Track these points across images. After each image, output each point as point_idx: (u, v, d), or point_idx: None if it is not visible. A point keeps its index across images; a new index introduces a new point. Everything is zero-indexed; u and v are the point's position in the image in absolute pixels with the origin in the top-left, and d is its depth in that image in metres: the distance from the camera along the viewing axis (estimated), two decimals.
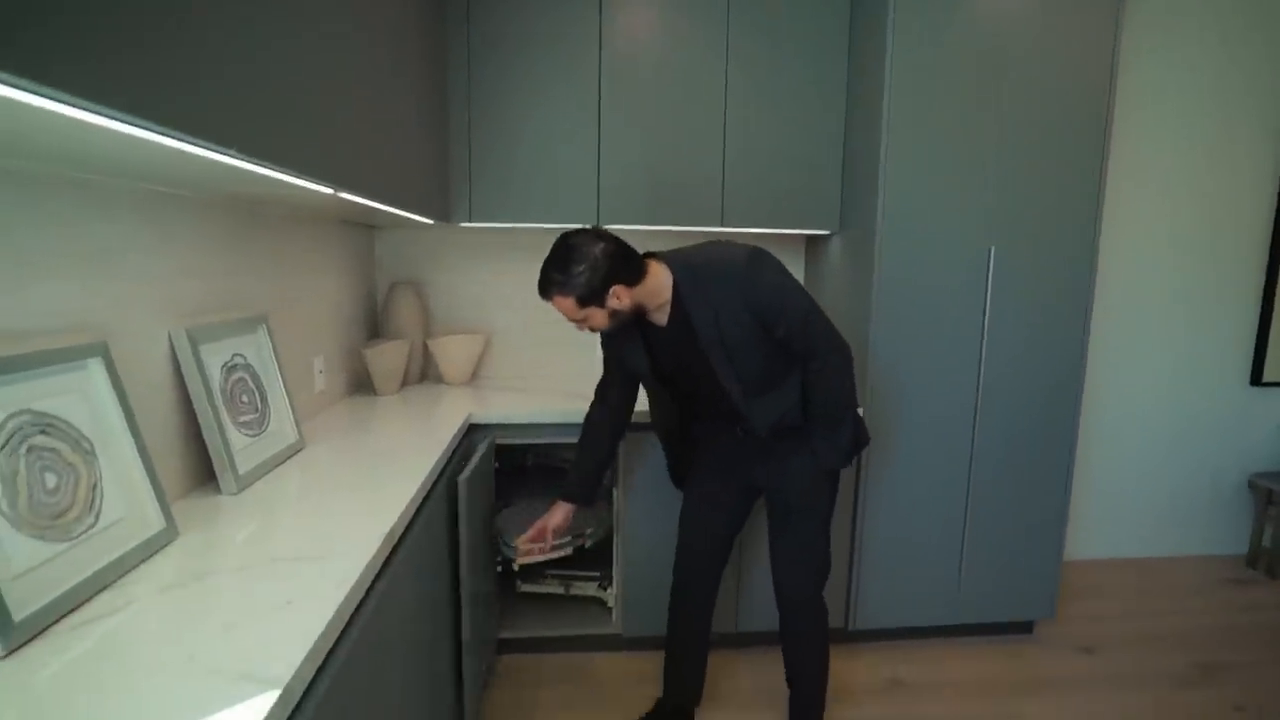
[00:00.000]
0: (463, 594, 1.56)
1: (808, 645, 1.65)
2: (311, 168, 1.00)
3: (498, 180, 2.13)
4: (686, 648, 1.76)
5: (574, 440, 1.97)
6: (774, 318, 1.40)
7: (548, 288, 1.38)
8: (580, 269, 1.34)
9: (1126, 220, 2.69)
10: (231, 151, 0.74)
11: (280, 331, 1.61)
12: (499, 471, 2.26)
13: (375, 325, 2.36)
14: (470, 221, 2.13)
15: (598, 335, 1.53)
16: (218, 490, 1.20)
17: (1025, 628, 2.30)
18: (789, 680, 1.71)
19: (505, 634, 2.09)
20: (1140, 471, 2.89)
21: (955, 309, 2.03)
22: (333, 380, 1.97)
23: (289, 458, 1.43)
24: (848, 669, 2.07)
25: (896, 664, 2.11)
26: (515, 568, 1.94)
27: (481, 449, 1.80)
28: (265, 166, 0.86)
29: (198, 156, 0.76)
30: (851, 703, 1.93)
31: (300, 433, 1.49)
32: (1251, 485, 2.88)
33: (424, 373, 2.41)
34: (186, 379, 1.17)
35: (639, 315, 1.46)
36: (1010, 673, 2.08)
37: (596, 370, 2.56)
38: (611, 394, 1.68)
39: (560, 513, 1.72)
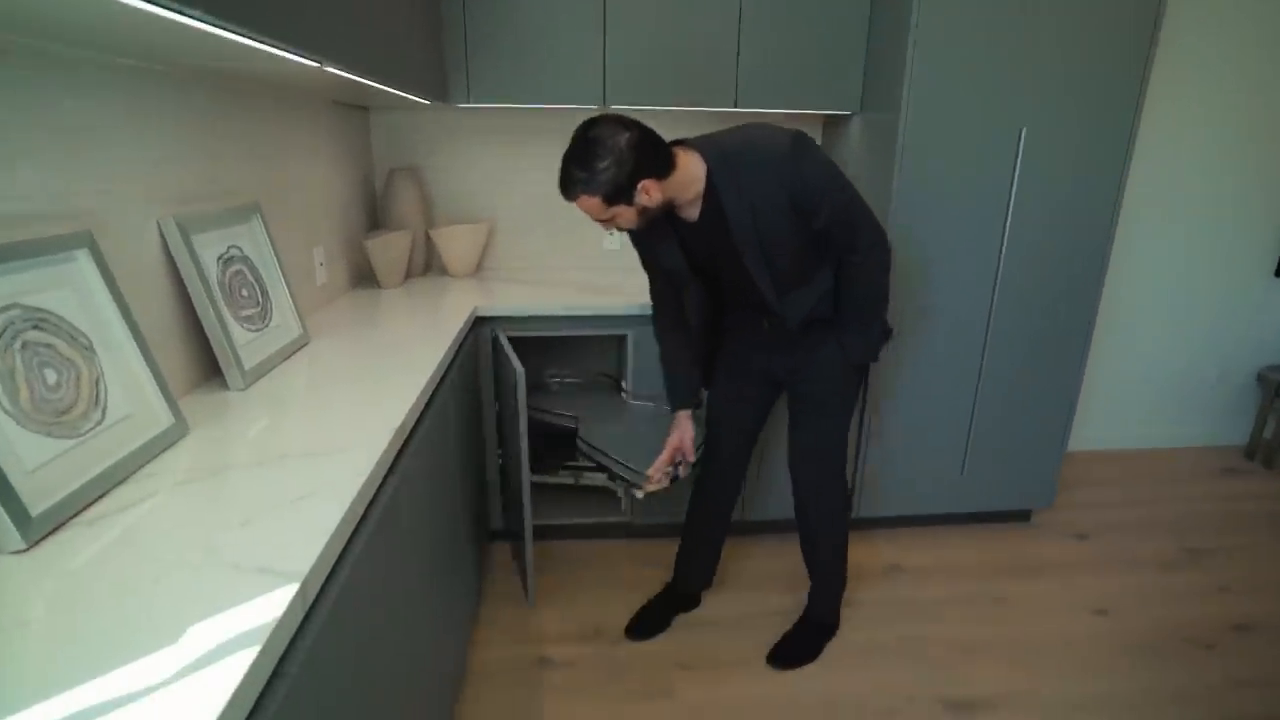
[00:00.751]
0: (522, 478, 1.60)
1: (824, 537, 1.70)
2: (290, 35, 0.91)
3: (496, 57, 1.97)
4: (703, 539, 1.82)
5: (587, 333, 1.95)
6: (816, 207, 1.32)
7: (570, 187, 1.28)
8: (605, 164, 1.23)
9: (1166, 107, 2.51)
10: (196, 13, 0.66)
11: (275, 222, 1.55)
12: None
13: (375, 215, 2.28)
14: (469, 102, 1.99)
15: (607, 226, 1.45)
16: (224, 387, 1.19)
17: (1024, 516, 2.37)
18: (808, 565, 1.77)
19: (515, 525, 2.16)
20: (1148, 361, 2.87)
21: (979, 192, 1.93)
22: (335, 273, 1.92)
23: (294, 352, 1.41)
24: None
25: (896, 550, 2.19)
26: (638, 495, 1.69)
27: (504, 340, 1.78)
28: (235, 32, 0.77)
29: (158, 17, 0.68)
30: (850, 586, 2.02)
31: (304, 327, 1.47)
32: (1260, 378, 2.86)
33: (427, 264, 2.35)
34: (182, 272, 1.13)
35: (669, 210, 1.38)
36: (1005, 558, 2.17)
37: (606, 258, 2.55)
38: (664, 294, 1.61)
39: (688, 425, 1.65)
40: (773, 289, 1.42)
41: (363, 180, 2.19)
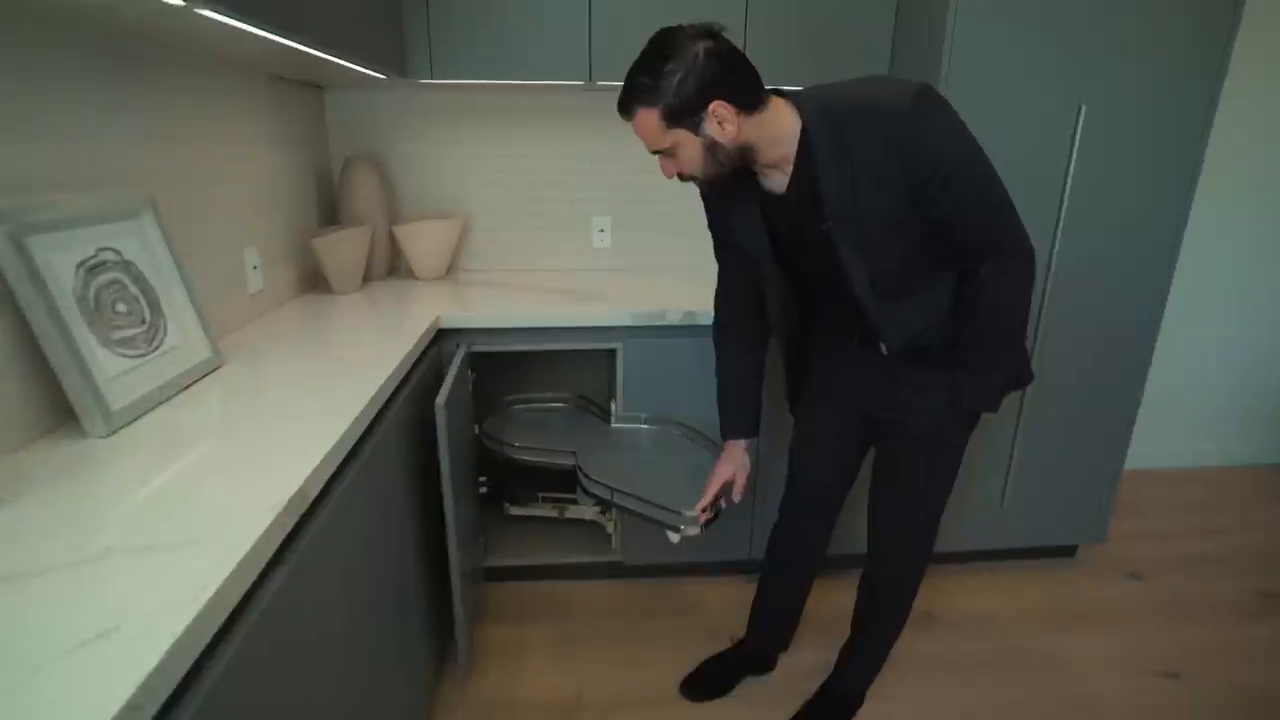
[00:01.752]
0: (448, 533, 1.32)
1: (889, 601, 1.41)
2: None
3: (463, 25, 1.69)
4: (777, 595, 1.55)
5: (570, 347, 1.68)
6: (938, 186, 0.98)
7: (627, 99, 1.02)
8: (672, 67, 0.96)
9: (1250, 84, 2.20)
10: None
11: (188, 219, 1.27)
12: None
13: (333, 209, 2.00)
14: (431, 77, 1.71)
15: (668, 169, 1.09)
16: (82, 433, 0.92)
17: (1068, 551, 2.09)
18: (855, 624, 1.49)
19: (493, 562, 1.89)
20: (1206, 370, 2.58)
21: (1030, 178, 1.65)
22: (276, 278, 1.64)
23: (197, 380, 1.14)
24: None
25: (929, 593, 1.90)
26: (675, 539, 1.37)
27: (458, 357, 1.50)
28: None
29: None
30: None
31: (215, 348, 1.19)
32: None
33: (392, 266, 2.07)
34: (10, 281, 0.86)
35: (747, 173, 1.09)
36: (1051, 603, 1.89)
37: (596, 257, 2.28)
38: (734, 284, 1.34)
39: (742, 457, 1.38)
40: (871, 294, 1.09)
41: (317, 171, 1.92)
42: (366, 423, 1.05)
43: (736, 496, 1.39)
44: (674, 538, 1.34)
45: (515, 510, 1.98)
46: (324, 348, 1.34)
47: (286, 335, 1.42)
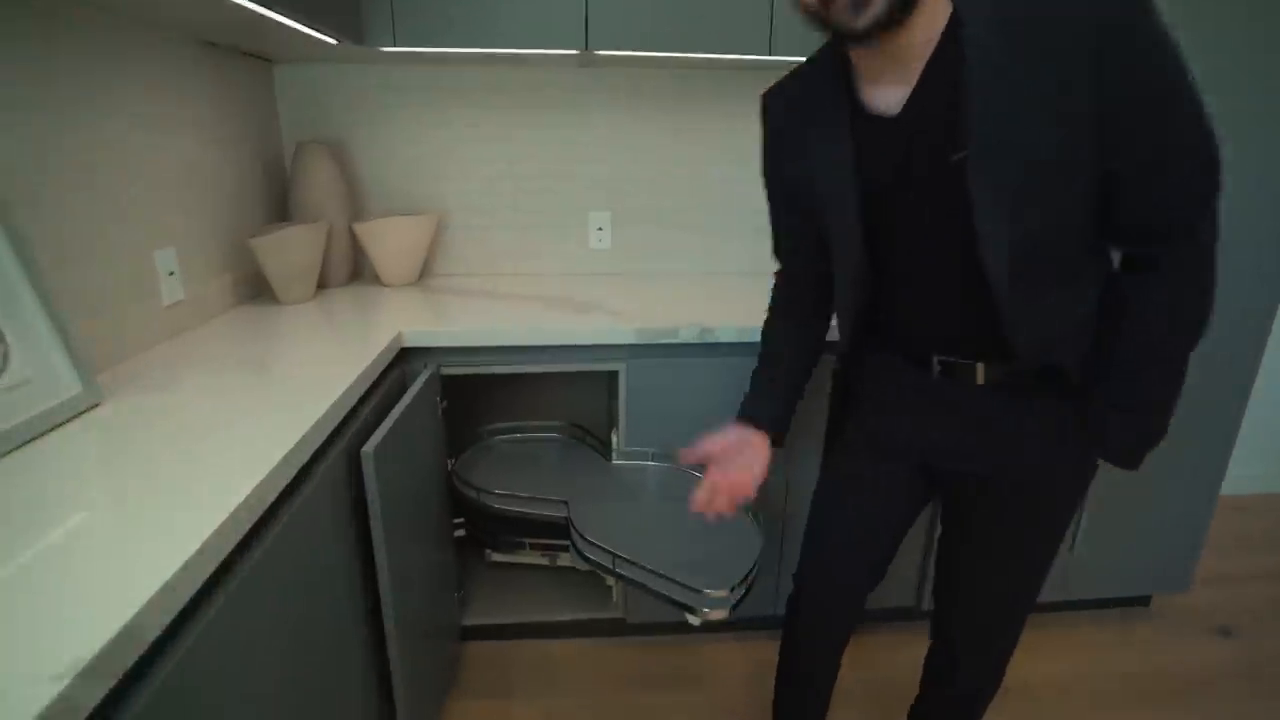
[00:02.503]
0: (384, 617, 1.04)
1: (967, 697, 1.12)
2: None
3: None
4: (809, 677, 1.23)
5: (561, 368, 1.40)
6: (1145, 114, 0.69)
7: None
8: None
9: None
10: None
11: (67, 213, 0.98)
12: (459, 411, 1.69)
13: (284, 205, 1.71)
14: (396, 44, 1.42)
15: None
16: None
17: (1141, 600, 1.80)
18: (920, 714, 1.21)
19: (471, 619, 1.61)
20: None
21: None
22: (203, 286, 1.35)
23: (61, 424, 0.85)
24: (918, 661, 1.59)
25: None
26: (696, 622, 1.10)
27: (418, 384, 1.22)
28: None
29: None
30: None
31: (88, 380, 0.90)
32: None
33: (355, 270, 1.78)
34: None
35: (847, 86, 0.82)
36: (1135, 665, 1.60)
37: (592, 261, 1.98)
38: (796, 254, 1.04)
39: (760, 446, 1.02)
40: (1005, 274, 0.76)
41: (265, 159, 1.63)
42: (281, 485, 0.76)
43: (748, 490, 0.98)
44: (694, 621, 1.05)
45: (498, 557, 1.69)
46: (251, 374, 1.05)
47: (207, 358, 1.13)
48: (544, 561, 1.66)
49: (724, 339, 1.37)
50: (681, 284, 1.76)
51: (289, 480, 0.79)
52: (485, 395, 1.84)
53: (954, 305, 0.83)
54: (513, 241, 1.84)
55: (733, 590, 1.03)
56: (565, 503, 1.30)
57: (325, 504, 0.90)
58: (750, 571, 1.08)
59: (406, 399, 1.15)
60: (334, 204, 1.63)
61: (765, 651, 1.59)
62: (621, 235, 1.86)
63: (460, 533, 1.66)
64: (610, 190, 1.82)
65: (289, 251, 1.45)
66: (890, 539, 1.07)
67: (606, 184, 1.82)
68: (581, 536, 1.18)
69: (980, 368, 0.85)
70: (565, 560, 1.66)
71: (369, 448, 0.97)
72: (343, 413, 0.98)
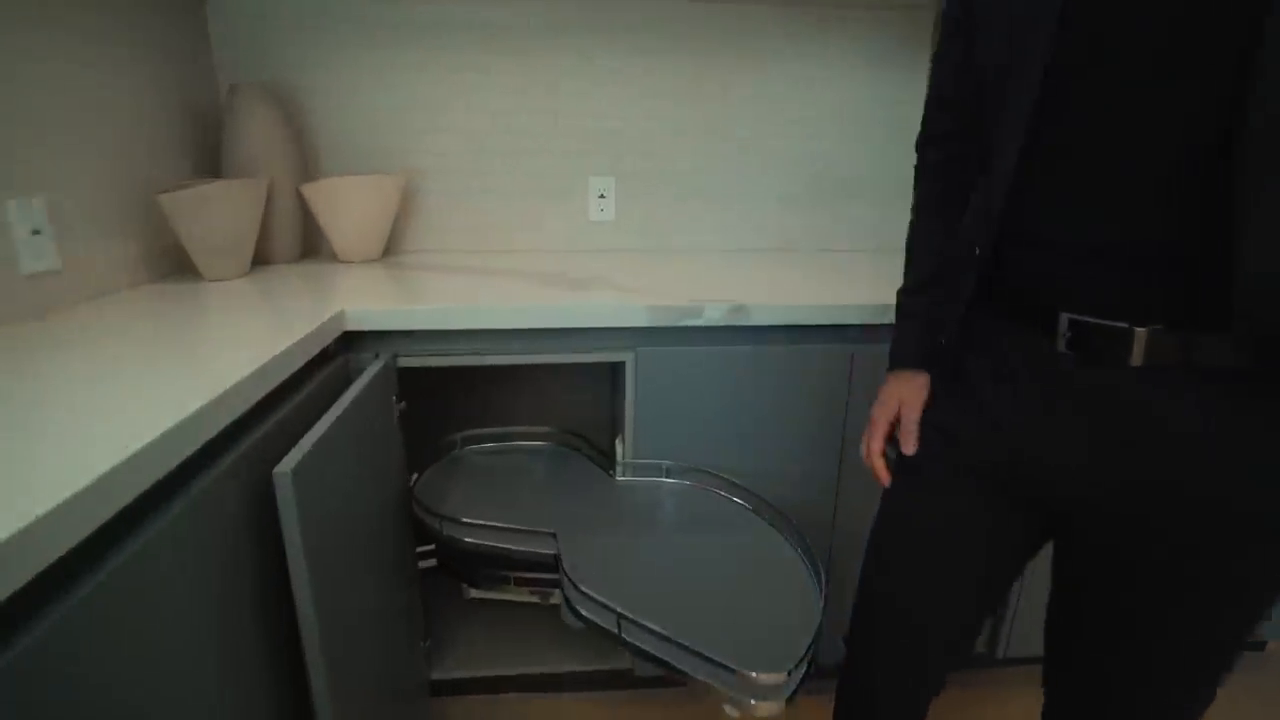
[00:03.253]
0: (312, 685, 0.73)
1: None
2: None
3: None
4: None
5: (550, 359, 1.10)
6: None
7: None
8: None
9: None
10: None
11: None
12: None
13: (216, 160, 1.41)
14: None
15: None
16: None
17: (1256, 646, 1.49)
18: None
19: (442, 673, 1.30)
20: None
21: None
22: (89, 254, 1.05)
23: None
24: (996, 713, 1.29)
25: None
26: (734, 716, 0.80)
27: (366, 378, 0.92)
28: None
29: None
30: None
31: None
32: None
33: (308, 245, 1.49)
34: None
35: None
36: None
37: (591, 234, 1.56)
38: (957, 105, 0.73)
39: (915, 387, 0.76)
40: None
41: (195, 104, 1.33)
42: (95, 519, 0.46)
43: (909, 443, 0.74)
44: (733, 713, 0.74)
45: (478, 593, 1.39)
46: (124, 362, 0.75)
47: (73, 342, 0.83)
48: (534, 599, 1.36)
49: (760, 322, 1.08)
50: (698, 260, 1.46)
51: (113, 514, 0.49)
52: (456, 394, 1.53)
53: (1141, 210, 0.53)
54: (498, 211, 1.54)
55: (790, 674, 0.72)
56: (553, 535, 1.00)
57: (204, 547, 0.60)
58: (811, 644, 0.77)
59: (347, 398, 0.85)
60: (276, 160, 1.33)
61: (809, 708, 1.29)
62: (627, 204, 1.56)
63: (429, 563, 1.36)
64: (614, 150, 1.52)
65: (211, 214, 1.15)
66: (996, 587, 0.76)
67: (610, 142, 1.52)
68: (575, 586, 0.87)
69: (1142, 336, 0.54)
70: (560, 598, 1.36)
71: (285, 466, 0.67)
72: (234, 413, 0.68)
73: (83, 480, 0.46)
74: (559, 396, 1.56)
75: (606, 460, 1.27)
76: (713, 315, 1.07)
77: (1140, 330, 0.54)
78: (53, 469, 0.48)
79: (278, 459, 0.69)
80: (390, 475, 1.04)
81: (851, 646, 0.85)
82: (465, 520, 1.08)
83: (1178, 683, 0.65)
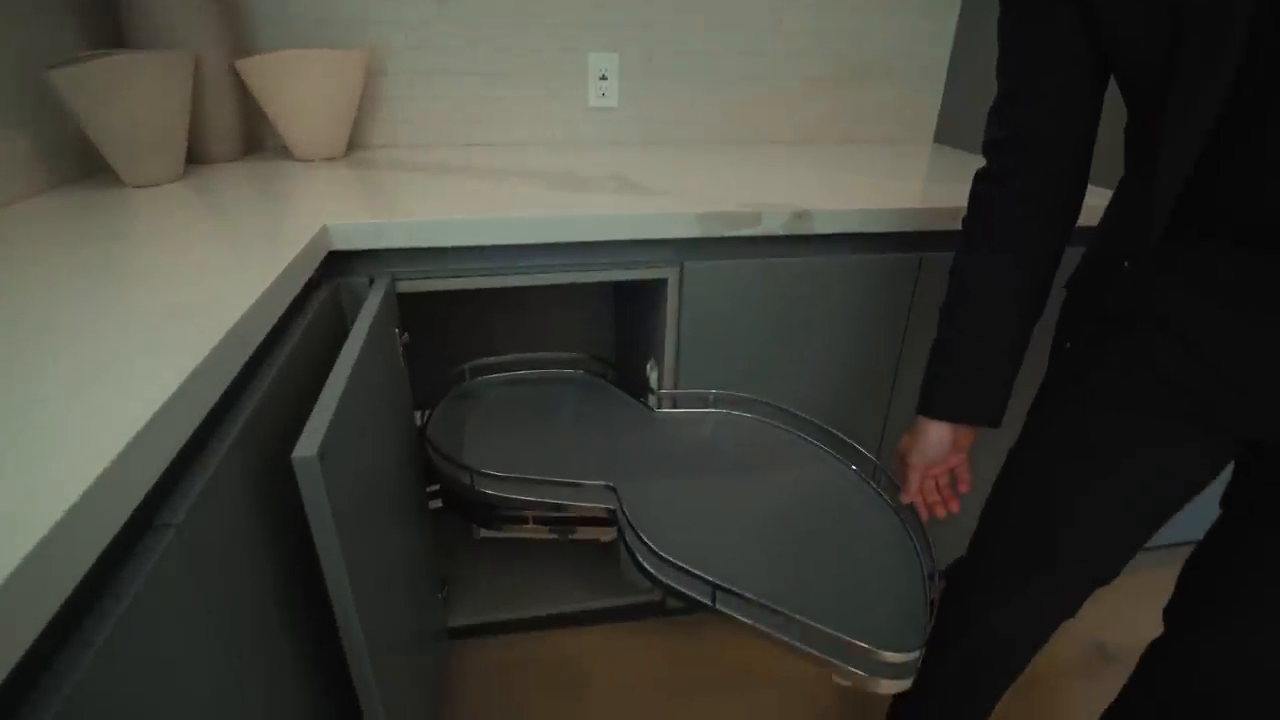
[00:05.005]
0: (347, 651, 0.60)
1: None
2: None
3: None
4: (958, 704, 0.88)
5: (575, 278, 0.94)
6: None
7: None
8: None
9: None
10: None
11: None
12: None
13: (113, 28, 1.10)
14: None
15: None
16: None
17: None
18: None
19: (459, 620, 1.20)
20: None
21: None
22: None
23: None
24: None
25: (1108, 609, 1.33)
26: (845, 682, 0.68)
27: (370, 312, 0.74)
28: None
29: None
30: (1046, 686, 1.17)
31: None
32: None
33: (250, 138, 1.22)
34: None
35: None
36: None
37: (593, 122, 1.33)
38: (1039, 153, 0.62)
39: (958, 441, 0.72)
40: None
41: None
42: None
43: (964, 487, 0.75)
44: (844, 682, 0.66)
45: (488, 533, 1.27)
46: (48, 331, 0.54)
47: None
48: (552, 536, 1.25)
49: (823, 229, 0.93)
50: (720, 155, 1.28)
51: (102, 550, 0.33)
52: (455, 320, 1.35)
53: None
54: (480, 96, 1.30)
55: (920, 650, 0.63)
56: (612, 489, 0.88)
57: (214, 550, 0.45)
58: (928, 601, 0.69)
59: (355, 342, 0.67)
60: (199, 30, 1.04)
61: None
62: (634, 88, 1.34)
63: (436, 504, 1.23)
64: (617, 22, 1.28)
65: (127, 95, 0.89)
66: (1145, 536, 0.69)
67: (611, 14, 1.27)
68: (650, 549, 0.76)
69: None
70: (583, 533, 1.26)
71: (306, 449, 0.49)
72: (225, 380, 0.50)
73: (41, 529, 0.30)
74: (555, 318, 1.40)
75: (637, 388, 1.13)
76: (771, 224, 0.91)
77: None
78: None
79: (286, 427, 0.52)
80: (401, 420, 0.88)
81: (963, 586, 0.78)
82: (494, 471, 0.93)
83: None
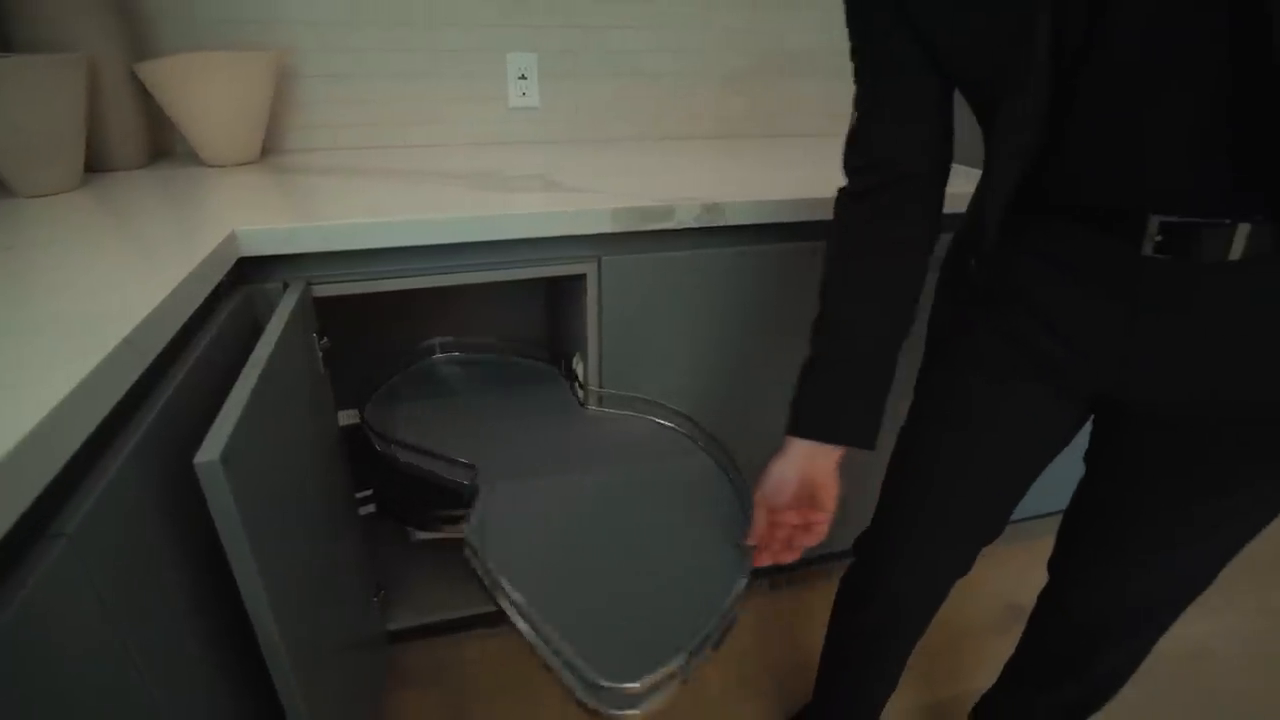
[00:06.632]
0: (266, 657, 0.60)
1: (1097, 692, 0.83)
2: None
3: None
4: (876, 666, 0.92)
5: (498, 276, 0.95)
6: None
7: None
8: None
9: None
10: None
11: None
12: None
13: (4, 31, 1.05)
14: None
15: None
16: None
17: None
18: (1013, 681, 0.93)
19: (399, 623, 1.20)
20: None
21: None
22: None
23: None
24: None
25: (1016, 573, 1.42)
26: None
27: (282, 318, 0.73)
28: None
29: None
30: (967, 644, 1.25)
31: None
32: None
33: (156, 144, 1.18)
34: None
35: None
36: None
37: (514, 122, 1.33)
38: (904, 148, 0.63)
39: (827, 469, 0.68)
40: None
41: None
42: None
43: (813, 540, 0.70)
44: (587, 700, 0.63)
45: (425, 536, 1.27)
46: None
47: None
48: None
49: (735, 220, 0.96)
50: (647, 154, 1.31)
51: None
52: (371, 319, 1.34)
53: (1213, 109, 0.46)
54: (399, 98, 1.29)
55: (653, 684, 0.61)
56: (473, 467, 0.89)
57: (110, 560, 0.45)
58: (698, 644, 0.65)
59: (265, 346, 0.67)
60: (93, 31, 1.01)
61: (799, 599, 1.33)
62: (553, 87, 1.35)
63: (369, 509, 1.23)
64: (536, 22, 1.29)
65: (12, 100, 0.86)
66: (1025, 486, 0.75)
67: (531, 9, 1.28)
68: (467, 540, 0.77)
69: (1243, 232, 0.49)
70: None
71: (209, 453, 0.50)
72: (123, 387, 0.50)
73: None
74: (497, 312, 1.40)
75: (566, 376, 1.15)
76: (684, 217, 0.94)
77: (1241, 226, 0.48)
78: None
79: (194, 434, 0.52)
80: (322, 424, 0.87)
81: (868, 554, 0.83)
82: (405, 440, 0.94)
83: (1218, 548, 0.66)
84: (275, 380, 0.66)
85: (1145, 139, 0.49)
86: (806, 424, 0.67)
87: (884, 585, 0.82)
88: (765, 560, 0.72)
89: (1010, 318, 0.63)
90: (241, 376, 0.60)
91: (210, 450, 0.50)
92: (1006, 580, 1.34)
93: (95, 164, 1.06)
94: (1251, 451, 0.58)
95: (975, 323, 0.67)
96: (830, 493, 0.68)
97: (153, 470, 0.53)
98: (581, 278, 0.98)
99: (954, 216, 0.72)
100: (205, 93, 1.06)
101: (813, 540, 0.70)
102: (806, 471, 0.67)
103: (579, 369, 1.08)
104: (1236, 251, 0.49)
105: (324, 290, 0.88)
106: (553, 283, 1.32)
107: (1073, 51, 0.48)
